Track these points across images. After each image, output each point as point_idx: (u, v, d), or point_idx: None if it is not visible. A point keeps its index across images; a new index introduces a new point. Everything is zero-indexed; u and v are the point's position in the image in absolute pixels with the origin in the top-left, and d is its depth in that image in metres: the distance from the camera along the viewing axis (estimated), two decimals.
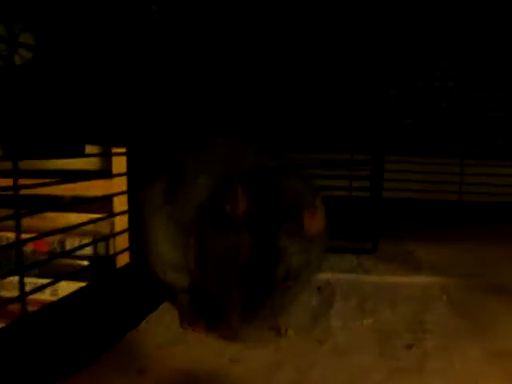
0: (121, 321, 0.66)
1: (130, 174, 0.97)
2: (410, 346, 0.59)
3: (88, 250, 1.43)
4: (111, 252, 1.23)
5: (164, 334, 0.64)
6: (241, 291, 0.54)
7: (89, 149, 1.34)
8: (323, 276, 0.87)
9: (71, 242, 1.35)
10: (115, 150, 1.18)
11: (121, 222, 1.03)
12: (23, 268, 0.56)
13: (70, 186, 1.37)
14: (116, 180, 1.14)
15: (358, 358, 0.56)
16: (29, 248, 1.46)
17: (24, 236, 0.57)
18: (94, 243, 1.28)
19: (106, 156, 1.32)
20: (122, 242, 1.02)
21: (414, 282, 0.86)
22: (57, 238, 1.47)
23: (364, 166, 1.13)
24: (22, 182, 0.56)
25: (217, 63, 1.09)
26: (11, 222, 0.55)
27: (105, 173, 1.37)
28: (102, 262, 1.15)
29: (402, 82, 1.72)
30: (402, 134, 1.73)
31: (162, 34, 0.94)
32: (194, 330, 0.65)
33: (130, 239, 0.88)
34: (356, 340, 0.62)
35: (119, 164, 1.14)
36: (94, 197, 1.09)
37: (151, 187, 0.72)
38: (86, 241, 1.37)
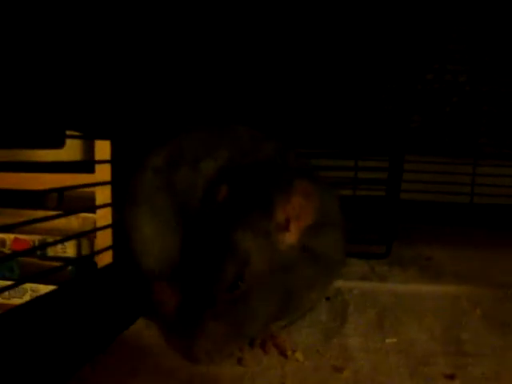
0: (107, 323, 0.58)
1: (113, 163, 0.86)
2: (452, 377, 0.46)
3: (71, 253, 1.31)
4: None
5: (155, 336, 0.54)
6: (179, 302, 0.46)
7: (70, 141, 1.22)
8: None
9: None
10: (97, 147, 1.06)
11: (104, 219, 0.92)
12: None
13: (50, 178, 1.27)
14: (99, 173, 1.03)
15: None
16: (7, 248, 1.34)
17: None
18: (67, 240, 1.14)
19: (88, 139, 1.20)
20: (105, 240, 0.92)
21: (439, 291, 0.74)
22: (37, 238, 1.35)
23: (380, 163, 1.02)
24: None
25: (214, 52, 0.97)
26: None
27: (88, 164, 1.25)
28: (83, 263, 1.03)
29: (409, 76, 1.60)
30: (409, 131, 1.61)
31: (149, 19, 0.83)
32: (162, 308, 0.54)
33: (114, 237, 0.79)
34: (381, 367, 0.49)
35: (103, 154, 1.03)
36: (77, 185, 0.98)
37: (144, 170, 0.62)
38: (69, 242, 1.25)
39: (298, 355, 0.50)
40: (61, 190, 1.41)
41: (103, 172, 0.90)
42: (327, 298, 0.69)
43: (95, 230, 0.90)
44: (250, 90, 1.02)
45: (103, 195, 0.89)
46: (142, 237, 0.60)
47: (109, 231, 0.88)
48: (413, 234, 1.19)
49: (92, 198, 0.96)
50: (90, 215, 1.21)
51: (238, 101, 0.96)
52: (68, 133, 1.17)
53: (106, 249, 0.75)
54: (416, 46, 1.54)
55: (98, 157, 0.97)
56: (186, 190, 0.57)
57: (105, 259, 0.78)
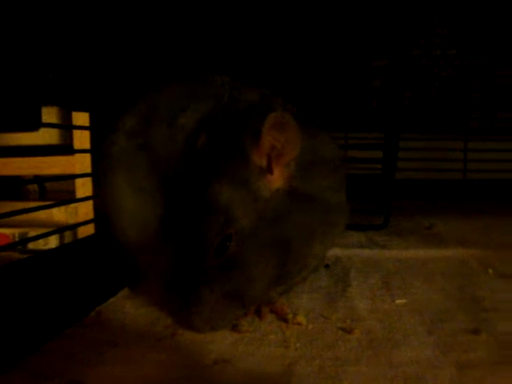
0: (88, 294, 0.53)
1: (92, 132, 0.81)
2: (476, 331, 0.41)
3: (54, 245, 1.24)
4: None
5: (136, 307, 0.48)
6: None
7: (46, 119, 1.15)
8: (330, 252, 0.69)
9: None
10: (76, 122, 1.00)
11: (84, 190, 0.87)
12: None
13: (28, 163, 1.20)
14: (78, 156, 0.98)
15: (407, 351, 0.38)
16: None
17: None
18: (49, 235, 1.06)
19: (66, 128, 1.14)
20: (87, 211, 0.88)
21: (445, 255, 0.69)
22: (18, 231, 1.29)
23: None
24: None
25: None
26: None
27: (66, 148, 1.18)
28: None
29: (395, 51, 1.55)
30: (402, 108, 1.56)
31: None
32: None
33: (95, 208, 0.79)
34: (396, 326, 0.43)
35: (81, 137, 0.98)
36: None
37: (117, 133, 0.54)
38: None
39: (300, 319, 0.44)
40: (41, 181, 1.34)
41: (82, 143, 0.85)
42: (326, 266, 0.64)
43: (78, 224, 0.83)
44: (234, 49, 0.96)
45: (82, 168, 0.84)
46: (120, 205, 0.54)
47: (90, 204, 0.82)
48: (409, 209, 1.15)
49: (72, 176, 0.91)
50: (72, 204, 1.15)
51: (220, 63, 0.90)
52: (45, 120, 1.11)
53: (88, 222, 0.69)
54: (403, 20, 1.49)
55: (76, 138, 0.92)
56: (164, 149, 0.50)
57: (87, 230, 0.72)
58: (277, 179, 0.40)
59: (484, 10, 1.46)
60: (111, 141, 0.55)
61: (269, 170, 0.40)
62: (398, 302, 0.49)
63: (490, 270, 0.60)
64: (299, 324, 0.43)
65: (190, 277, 0.40)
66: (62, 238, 1.25)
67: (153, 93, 0.56)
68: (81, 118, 0.89)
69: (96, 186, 0.73)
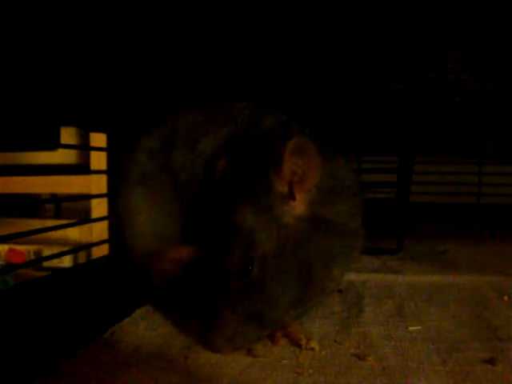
0: (102, 314, 0.54)
1: (109, 153, 0.82)
2: (493, 361, 0.40)
3: (68, 263, 1.25)
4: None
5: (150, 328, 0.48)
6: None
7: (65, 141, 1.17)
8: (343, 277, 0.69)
9: (49, 253, 1.17)
10: (93, 142, 1.02)
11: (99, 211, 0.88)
12: None
13: (45, 182, 1.22)
14: (95, 176, 0.99)
15: (421, 380, 0.38)
16: (2, 259, 1.29)
17: None
18: (64, 255, 1.07)
19: (84, 149, 1.16)
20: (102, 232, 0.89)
21: (459, 281, 0.68)
22: (33, 248, 1.30)
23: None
24: None
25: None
26: None
27: (83, 168, 1.20)
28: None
29: (410, 75, 1.56)
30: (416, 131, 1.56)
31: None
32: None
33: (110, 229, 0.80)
34: (409, 353, 0.43)
35: (98, 158, 1.00)
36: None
37: (138, 152, 0.56)
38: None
39: (314, 344, 0.44)
40: (58, 201, 1.35)
41: (99, 164, 0.86)
42: (339, 291, 0.63)
43: (92, 244, 0.85)
44: (249, 80, 0.97)
45: (99, 187, 0.85)
46: (139, 225, 0.55)
47: (105, 223, 0.83)
48: (422, 232, 1.14)
49: (88, 196, 0.92)
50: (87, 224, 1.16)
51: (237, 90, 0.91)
52: (63, 140, 1.13)
53: (103, 242, 0.70)
54: (417, 45, 1.50)
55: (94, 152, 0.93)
56: (184, 172, 0.52)
57: (101, 250, 0.73)
58: (299, 205, 0.41)
59: (496, 34, 1.47)
60: (132, 159, 0.56)
61: (291, 195, 0.41)
62: (411, 328, 0.49)
63: (506, 298, 0.60)
64: (312, 349, 0.43)
65: (213, 298, 0.40)
66: (76, 257, 1.26)
67: (173, 115, 0.57)
68: (98, 138, 0.91)
69: (112, 205, 0.74)
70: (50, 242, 1.27)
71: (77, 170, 1.10)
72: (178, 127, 0.55)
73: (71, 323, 0.50)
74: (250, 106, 0.55)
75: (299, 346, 0.44)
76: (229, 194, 0.42)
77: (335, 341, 0.46)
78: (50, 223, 0.79)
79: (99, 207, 0.95)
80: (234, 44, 0.93)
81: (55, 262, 1.23)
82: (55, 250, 1.18)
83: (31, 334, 0.47)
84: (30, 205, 1.54)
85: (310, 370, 0.39)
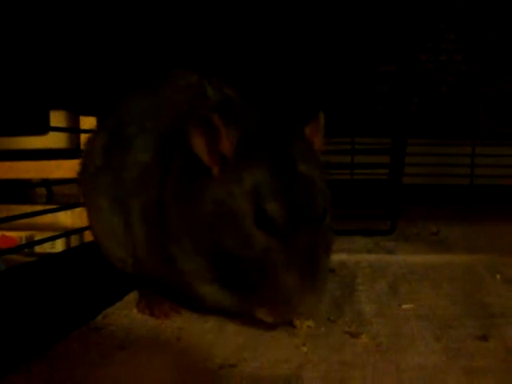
0: (94, 298, 0.53)
1: None
2: (485, 337, 0.41)
3: (60, 248, 1.24)
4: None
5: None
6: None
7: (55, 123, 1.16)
8: (336, 257, 0.69)
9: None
10: (84, 125, 1.01)
11: None
12: None
13: (36, 167, 1.20)
14: None
15: (414, 356, 0.38)
16: None
17: None
18: (56, 238, 1.06)
19: (74, 132, 1.15)
20: None
21: (452, 261, 0.68)
22: (24, 234, 1.29)
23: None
24: None
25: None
26: None
27: (74, 152, 1.19)
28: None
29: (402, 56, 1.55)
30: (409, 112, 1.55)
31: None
32: (155, 315, 0.47)
33: None
34: (402, 331, 0.43)
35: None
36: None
37: (90, 145, 0.55)
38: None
39: (308, 322, 0.43)
40: (48, 185, 1.34)
41: None
42: (332, 270, 0.63)
43: (84, 228, 0.84)
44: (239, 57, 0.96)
45: None
46: (102, 214, 0.52)
47: None
48: (415, 214, 1.14)
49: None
50: (79, 208, 1.15)
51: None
52: (53, 124, 1.11)
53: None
54: (410, 25, 1.49)
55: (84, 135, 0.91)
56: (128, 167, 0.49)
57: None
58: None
59: (491, 16, 1.46)
60: (89, 154, 0.54)
61: None
62: (404, 307, 0.49)
63: (498, 276, 0.60)
64: (308, 327, 0.43)
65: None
66: (68, 242, 1.25)
67: (121, 105, 0.55)
68: (88, 121, 0.89)
69: None
70: (41, 228, 1.26)
71: (67, 155, 1.09)
72: (123, 120, 0.52)
73: (63, 307, 0.50)
74: (199, 81, 0.53)
75: (293, 325, 0.43)
76: (276, 156, 0.40)
77: (328, 319, 0.46)
78: (41, 208, 0.78)
79: None
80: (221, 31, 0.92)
81: (47, 248, 1.23)
82: (47, 235, 1.17)
83: (23, 317, 0.47)
84: (21, 190, 1.52)
85: (304, 348, 0.39)
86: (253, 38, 0.97)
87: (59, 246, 1.25)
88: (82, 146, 1.00)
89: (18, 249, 0.78)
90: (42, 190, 1.59)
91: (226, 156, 0.40)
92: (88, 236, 0.93)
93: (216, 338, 0.42)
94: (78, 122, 1.02)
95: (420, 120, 1.55)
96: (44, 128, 1.08)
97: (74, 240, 1.25)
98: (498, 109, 1.52)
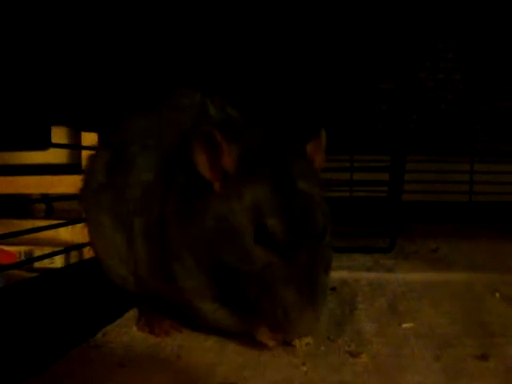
0: (94, 315, 0.53)
1: None
2: (485, 357, 0.41)
3: (59, 264, 1.24)
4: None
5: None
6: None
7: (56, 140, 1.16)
8: (336, 275, 0.69)
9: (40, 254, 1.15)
10: (85, 141, 1.01)
11: None
12: None
13: (36, 182, 1.20)
14: None
15: (414, 376, 0.38)
16: None
17: None
18: (56, 255, 1.06)
19: (75, 148, 1.15)
20: None
21: (451, 279, 0.68)
22: (24, 248, 1.29)
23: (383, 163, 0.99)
24: None
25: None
26: None
27: (75, 167, 1.19)
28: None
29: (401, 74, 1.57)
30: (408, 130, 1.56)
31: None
32: (155, 333, 0.47)
33: None
34: (402, 350, 0.43)
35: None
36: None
37: (92, 163, 0.54)
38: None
39: (308, 339, 0.43)
40: (49, 201, 1.34)
41: None
42: (332, 289, 0.63)
43: (84, 245, 0.84)
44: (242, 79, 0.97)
45: None
46: (104, 232, 0.52)
47: None
48: (414, 231, 1.14)
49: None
50: (79, 224, 1.15)
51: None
52: (54, 139, 1.12)
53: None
54: (409, 44, 1.51)
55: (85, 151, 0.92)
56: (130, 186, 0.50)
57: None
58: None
59: (488, 35, 1.48)
60: (91, 172, 0.54)
61: None
62: (404, 325, 0.49)
63: (497, 294, 0.60)
64: (307, 345, 0.43)
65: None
66: (67, 257, 1.25)
67: (124, 124, 0.55)
68: (90, 138, 0.90)
69: None
70: (41, 243, 1.26)
71: (68, 170, 1.09)
72: (126, 138, 0.52)
73: (63, 324, 0.50)
74: (202, 102, 0.54)
75: (293, 345, 0.43)
76: (277, 174, 0.41)
77: (328, 338, 0.46)
78: (41, 224, 0.78)
79: None
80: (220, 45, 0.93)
81: (47, 264, 1.22)
82: (46, 251, 1.17)
83: (22, 334, 0.47)
84: (21, 205, 1.52)
85: (304, 368, 0.39)
86: (255, 57, 0.99)
87: (58, 261, 1.24)
88: (83, 162, 1.00)
89: (16, 265, 0.78)
90: (42, 205, 1.60)
91: (228, 172, 0.41)
92: (87, 252, 0.93)
93: (216, 356, 0.42)
94: (79, 137, 1.02)
95: (419, 137, 1.56)
96: (45, 143, 1.09)
97: (74, 256, 1.24)
98: (495, 126, 1.53)
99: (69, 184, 1.13)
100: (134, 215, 0.47)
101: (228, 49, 0.92)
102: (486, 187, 1.41)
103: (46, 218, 1.58)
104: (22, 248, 1.27)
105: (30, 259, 0.99)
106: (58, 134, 1.10)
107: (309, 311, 0.38)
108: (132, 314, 0.53)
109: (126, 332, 0.48)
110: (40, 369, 0.39)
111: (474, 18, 1.41)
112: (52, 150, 1.18)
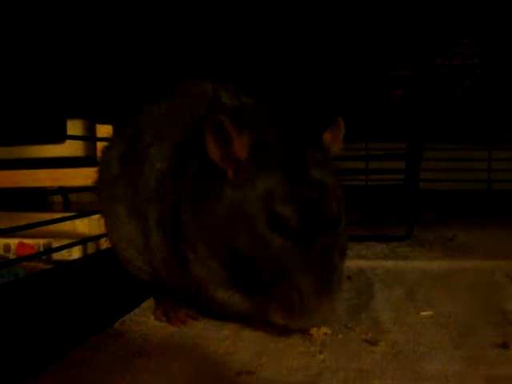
0: (112, 305, 0.54)
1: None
2: (506, 345, 0.40)
3: (77, 256, 1.25)
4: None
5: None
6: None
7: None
8: (352, 264, 0.68)
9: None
10: (100, 134, 1.02)
11: None
12: None
13: (53, 175, 1.21)
14: None
15: (433, 364, 0.37)
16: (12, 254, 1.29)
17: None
18: (73, 246, 1.06)
19: (90, 140, 1.16)
20: None
21: (470, 267, 0.67)
22: (42, 241, 1.30)
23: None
24: None
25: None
26: None
27: (90, 160, 1.20)
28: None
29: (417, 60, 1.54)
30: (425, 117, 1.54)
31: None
32: (172, 322, 0.47)
33: None
34: (421, 338, 0.42)
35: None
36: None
37: (106, 154, 0.55)
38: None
39: (325, 330, 0.43)
40: (65, 192, 1.35)
41: None
42: (348, 277, 0.63)
43: (101, 236, 0.84)
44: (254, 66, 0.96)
45: None
46: (120, 222, 0.52)
47: None
48: (431, 220, 1.13)
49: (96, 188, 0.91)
50: (96, 216, 1.16)
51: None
52: (70, 132, 1.13)
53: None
54: (424, 30, 1.48)
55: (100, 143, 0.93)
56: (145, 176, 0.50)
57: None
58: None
59: (507, 18, 1.44)
60: (106, 163, 0.54)
61: None
62: (422, 314, 0.49)
63: None
64: (324, 334, 0.43)
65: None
66: (85, 249, 1.26)
67: (137, 114, 0.55)
68: (104, 130, 0.90)
69: None
70: (59, 236, 1.27)
71: (84, 163, 1.10)
72: (140, 128, 0.52)
73: (81, 313, 0.50)
74: (212, 89, 0.53)
75: (310, 334, 0.43)
76: (289, 161, 0.41)
77: (346, 326, 0.45)
78: (58, 217, 0.79)
79: None
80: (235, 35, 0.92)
81: (65, 256, 1.24)
82: (64, 243, 1.18)
83: (41, 323, 0.47)
84: (39, 198, 1.54)
85: (321, 356, 0.39)
86: (270, 45, 0.98)
87: (76, 253, 1.26)
88: (98, 154, 1.01)
89: (35, 256, 0.79)
90: (60, 199, 1.61)
91: (240, 160, 0.40)
92: (104, 244, 0.94)
93: (233, 344, 0.42)
94: (94, 130, 1.03)
95: (436, 125, 1.54)
96: (61, 136, 1.09)
97: (91, 248, 1.25)
98: None
99: (85, 176, 1.14)
100: (149, 204, 0.47)
101: (243, 35, 0.91)
102: (504, 175, 1.38)
103: (63, 211, 1.59)
104: (41, 241, 1.28)
105: (48, 250, 1.00)
106: (73, 127, 1.11)
107: (325, 300, 0.37)
108: (149, 303, 0.53)
109: (143, 321, 0.48)
110: (57, 357, 0.39)
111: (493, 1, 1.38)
112: (68, 144, 1.19)
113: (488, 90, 1.50)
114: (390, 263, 0.70)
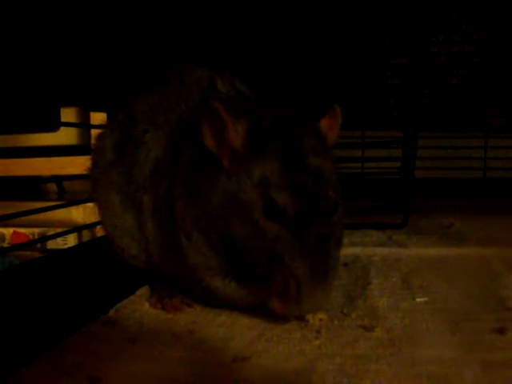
0: (106, 292, 0.53)
1: None
2: (502, 330, 0.40)
3: (72, 244, 1.25)
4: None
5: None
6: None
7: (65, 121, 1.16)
8: (349, 251, 0.68)
9: None
10: (94, 122, 1.01)
11: None
12: None
13: (47, 164, 1.20)
14: None
15: (429, 350, 0.37)
16: (6, 243, 1.29)
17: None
18: (68, 233, 1.06)
19: (84, 127, 1.15)
20: None
21: (467, 254, 0.67)
22: (37, 230, 1.30)
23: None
24: None
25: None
26: None
27: (85, 148, 1.19)
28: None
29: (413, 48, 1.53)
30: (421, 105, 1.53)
31: None
32: (167, 309, 0.47)
33: None
34: (417, 324, 0.42)
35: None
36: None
37: (101, 142, 0.54)
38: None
39: (321, 316, 0.43)
40: (59, 180, 1.35)
41: None
42: (345, 264, 0.63)
43: (96, 223, 0.84)
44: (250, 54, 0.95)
45: None
46: (114, 210, 0.52)
47: None
48: (428, 207, 1.13)
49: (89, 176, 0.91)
50: (91, 204, 1.16)
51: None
52: (64, 120, 1.12)
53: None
54: (420, 17, 1.47)
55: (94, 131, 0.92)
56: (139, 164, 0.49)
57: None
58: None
59: (503, 5, 1.43)
60: (100, 150, 0.54)
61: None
62: (418, 300, 0.49)
63: None
64: (320, 320, 0.43)
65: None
66: (80, 238, 1.26)
67: (131, 101, 0.54)
68: (99, 117, 0.89)
69: None
70: (54, 225, 1.26)
71: (78, 151, 1.09)
72: (134, 116, 0.52)
73: (75, 300, 0.50)
74: (208, 75, 0.53)
75: (306, 320, 0.43)
76: (286, 149, 0.40)
77: (342, 312, 0.45)
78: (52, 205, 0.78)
79: None
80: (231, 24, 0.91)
81: (60, 245, 1.23)
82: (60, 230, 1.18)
83: (35, 310, 0.47)
84: (33, 187, 1.53)
85: (317, 342, 0.39)
86: (266, 32, 0.97)
87: (71, 242, 1.25)
88: (92, 142, 1.00)
89: (29, 243, 0.78)
90: (54, 188, 1.60)
91: (235, 148, 0.40)
92: (99, 231, 0.93)
93: (229, 331, 0.42)
94: (88, 118, 1.02)
95: (432, 113, 1.53)
96: (55, 124, 1.08)
97: (86, 237, 1.25)
98: (511, 101, 1.49)
99: (80, 165, 1.13)
100: (144, 192, 0.47)
101: (238, 22, 0.90)
102: (500, 163, 1.38)
103: (58, 199, 1.58)
104: (36, 230, 1.28)
105: (43, 238, 1.00)
106: (67, 115, 1.10)
107: (320, 287, 0.37)
108: (144, 290, 0.53)
109: (138, 309, 0.48)
110: (52, 344, 0.39)
111: None
112: (62, 132, 1.18)
113: (484, 78, 1.49)
114: (386, 250, 0.70)
